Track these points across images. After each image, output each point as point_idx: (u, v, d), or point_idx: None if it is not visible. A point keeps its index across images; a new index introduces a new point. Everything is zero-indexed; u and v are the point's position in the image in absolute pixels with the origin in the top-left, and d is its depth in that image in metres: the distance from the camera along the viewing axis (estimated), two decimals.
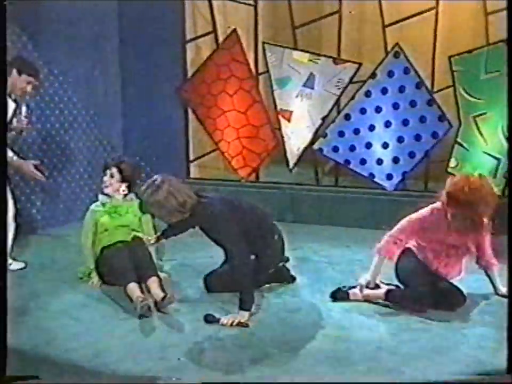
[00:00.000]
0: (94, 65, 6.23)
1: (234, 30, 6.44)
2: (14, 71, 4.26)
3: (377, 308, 3.85)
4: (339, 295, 3.98)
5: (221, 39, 6.54)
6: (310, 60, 6.19)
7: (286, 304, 3.98)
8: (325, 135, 6.27)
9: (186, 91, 6.69)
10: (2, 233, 2.85)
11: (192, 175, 6.91)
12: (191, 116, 6.80)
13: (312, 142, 6.32)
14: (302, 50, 6.21)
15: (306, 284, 4.34)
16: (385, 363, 3.10)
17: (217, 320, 3.57)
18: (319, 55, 6.18)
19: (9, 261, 4.41)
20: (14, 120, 4.40)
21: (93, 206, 4.40)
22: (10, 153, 4.09)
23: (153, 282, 3.92)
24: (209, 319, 3.60)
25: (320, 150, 6.32)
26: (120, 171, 4.35)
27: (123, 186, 4.38)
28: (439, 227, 3.77)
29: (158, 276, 4.03)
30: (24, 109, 4.45)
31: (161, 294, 3.79)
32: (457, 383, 2.93)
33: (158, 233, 4.17)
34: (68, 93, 5.93)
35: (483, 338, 3.37)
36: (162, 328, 3.56)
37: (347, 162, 6.21)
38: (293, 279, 4.40)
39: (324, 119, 6.25)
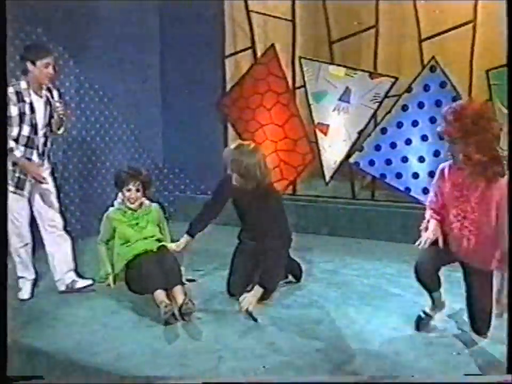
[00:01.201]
0: (134, 79, 6.41)
1: (272, 45, 6.54)
2: (28, 64, 4.02)
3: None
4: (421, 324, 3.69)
5: (259, 54, 6.66)
6: (347, 74, 6.22)
7: (309, 315, 4.01)
8: (361, 149, 6.28)
9: (225, 105, 6.81)
10: (2, 233, 2.89)
11: None
12: (229, 129, 6.92)
13: (349, 156, 6.33)
14: (338, 65, 6.25)
15: (332, 296, 4.35)
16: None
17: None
18: (355, 69, 6.20)
19: (73, 276, 4.37)
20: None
21: (110, 213, 4.44)
22: (18, 154, 4.03)
23: (177, 291, 4.00)
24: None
25: (357, 163, 6.33)
26: (143, 184, 4.36)
27: (143, 198, 4.44)
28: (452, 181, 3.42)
29: (182, 284, 4.11)
30: (55, 93, 4.24)
31: (181, 300, 3.89)
32: (457, 383, 2.90)
33: (186, 237, 4.28)
34: (109, 107, 6.13)
35: None
36: (184, 336, 3.65)
37: (383, 176, 6.20)
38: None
39: (360, 132, 6.25)
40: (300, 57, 6.43)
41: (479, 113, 3.21)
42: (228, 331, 3.70)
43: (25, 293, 4.24)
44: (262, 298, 4.07)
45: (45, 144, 4.21)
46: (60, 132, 4.33)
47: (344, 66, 6.24)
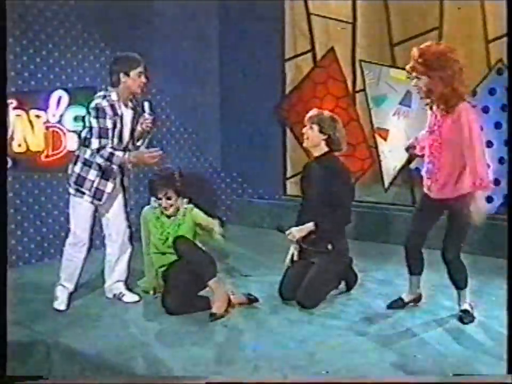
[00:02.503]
0: (193, 83, 6.44)
1: (332, 48, 6.43)
2: (121, 75, 3.96)
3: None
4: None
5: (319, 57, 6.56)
6: (408, 78, 5.99)
7: (354, 327, 3.87)
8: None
9: (284, 109, 6.74)
10: (2, 233, 2.87)
11: (288, 192, 6.93)
12: (288, 133, 6.84)
13: (409, 161, 6.12)
14: (399, 68, 6.05)
15: (380, 308, 4.19)
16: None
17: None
18: None
19: (122, 288, 4.30)
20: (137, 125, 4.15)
21: (144, 213, 4.30)
22: (120, 153, 3.95)
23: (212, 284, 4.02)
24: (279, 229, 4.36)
25: (417, 169, 6.10)
26: (175, 190, 4.15)
27: (180, 200, 4.23)
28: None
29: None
30: (147, 105, 4.10)
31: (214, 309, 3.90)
32: (457, 383, 2.87)
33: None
34: (166, 111, 6.17)
35: None
36: (222, 343, 3.60)
37: None
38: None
39: None
40: (360, 61, 6.30)
41: (441, 52, 3.57)
42: (265, 340, 3.62)
43: (61, 303, 4.12)
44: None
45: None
46: (139, 143, 4.23)
47: (406, 69, 6.02)
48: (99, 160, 3.95)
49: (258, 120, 6.76)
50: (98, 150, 3.92)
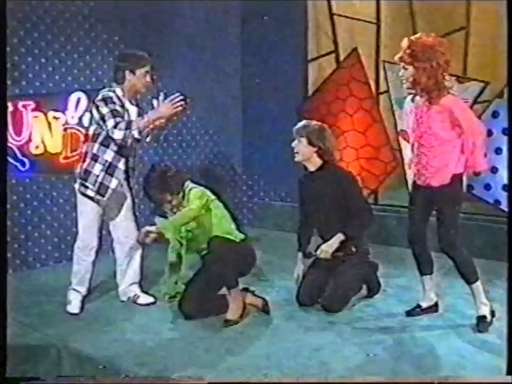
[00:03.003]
0: (215, 84, 6.38)
1: (355, 49, 6.31)
2: (127, 73, 3.92)
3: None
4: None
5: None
6: None
7: (370, 337, 3.75)
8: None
9: (306, 111, 6.63)
10: (3, 233, 2.83)
11: None
12: None
13: None
14: None
15: (400, 315, 4.06)
16: None
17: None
18: None
19: (137, 290, 4.24)
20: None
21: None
22: (137, 119, 3.88)
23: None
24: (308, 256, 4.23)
25: None
26: (171, 193, 3.98)
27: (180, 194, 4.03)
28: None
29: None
30: (155, 103, 4.05)
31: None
32: (458, 383, 2.85)
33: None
34: (187, 112, 6.11)
35: None
36: (234, 350, 3.51)
37: (470, 187, 5.78)
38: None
39: None
40: (384, 61, 6.15)
41: (427, 44, 3.61)
42: (278, 348, 3.52)
43: (75, 307, 4.08)
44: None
45: (130, 152, 4.06)
46: (148, 140, 4.20)
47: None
48: (118, 134, 3.79)
49: (280, 122, 6.65)
50: (115, 126, 3.79)
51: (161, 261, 4.38)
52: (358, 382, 2.98)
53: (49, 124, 5.13)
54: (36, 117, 5.11)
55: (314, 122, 4.24)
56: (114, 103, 3.87)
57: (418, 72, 3.63)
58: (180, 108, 3.84)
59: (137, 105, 4.11)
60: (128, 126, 3.80)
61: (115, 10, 5.48)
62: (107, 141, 3.92)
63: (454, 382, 2.93)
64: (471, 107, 5.69)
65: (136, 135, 3.82)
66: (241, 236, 4.07)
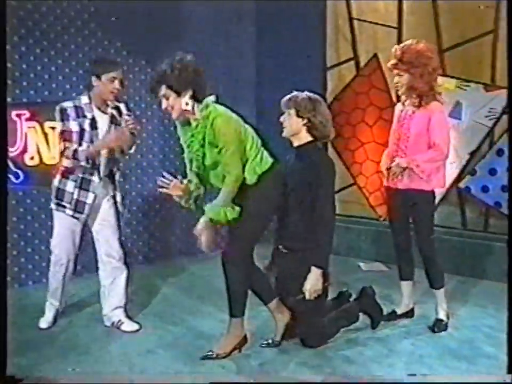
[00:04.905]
0: (228, 92, 6.06)
1: (375, 55, 5.93)
2: (93, 78, 3.74)
3: None
4: None
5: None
6: (457, 87, 5.46)
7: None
8: (473, 173, 5.47)
9: None
10: (2, 233, 2.75)
11: None
12: (329, 147, 6.37)
13: (458, 180, 5.55)
14: (448, 76, 5.48)
15: (406, 350, 3.67)
16: None
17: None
18: (467, 81, 5.42)
19: (121, 316, 3.98)
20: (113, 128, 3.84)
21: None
22: (84, 147, 3.73)
23: None
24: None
25: (467, 188, 5.52)
26: (172, 88, 3.41)
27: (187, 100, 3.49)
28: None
29: None
30: (123, 107, 3.90)
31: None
32: (458, 383, 2.57)
33: None
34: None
35: None
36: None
37: (498, 204, 5.33)
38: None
39: (472, 154, 5.46)
40: None
41: (420, 51, 3.77)
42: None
43: (44, 321, 4.00)
44: None
45: (107, 164, 3.87)
46: (132, 151, 3.98)
47: (455, 77, 5.47)
48: (65, 162, 3.77)
49: None
50: (62, 152, 3.75)
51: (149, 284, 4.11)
52: (359, 382, 3.04)
53: (45, 134, 4.90)
54: (31, 127, 4.87)
55: (305, 92, 3.73)
56: (68, 116, 3.74)
57: (415, 78, 3.75)
58: (131, 134, 3.75)
59: (109, 114, 3.85)
60: (75, 155, 3.72)
61: (116, 15, 5.21)
62: (76, 155, 3.74)
63: (455, 382, 2.97)
64: (500, 117, 5.27)
65: (83, 163, 3.74)
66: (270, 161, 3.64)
